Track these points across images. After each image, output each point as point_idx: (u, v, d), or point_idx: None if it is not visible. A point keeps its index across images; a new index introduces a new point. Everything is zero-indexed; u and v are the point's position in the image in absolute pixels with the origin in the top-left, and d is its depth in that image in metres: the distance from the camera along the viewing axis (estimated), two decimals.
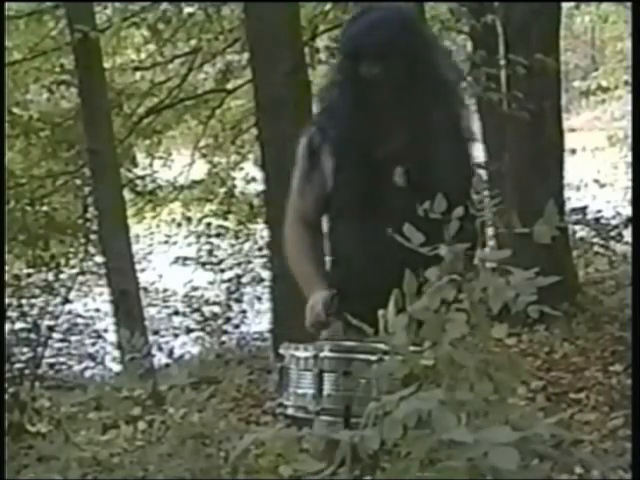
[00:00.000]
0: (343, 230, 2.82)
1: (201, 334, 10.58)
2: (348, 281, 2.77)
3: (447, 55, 3.46)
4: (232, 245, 11.78)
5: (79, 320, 10.30)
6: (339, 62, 2.78)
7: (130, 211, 9.83)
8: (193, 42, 10.80)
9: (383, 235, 2.64)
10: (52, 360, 9.17)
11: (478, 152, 2.90)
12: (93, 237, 9.59)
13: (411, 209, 2.58)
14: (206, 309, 10.98)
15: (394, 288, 2.28)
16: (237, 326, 10.63)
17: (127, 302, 6.65)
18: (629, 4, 7.07)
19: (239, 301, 10.99)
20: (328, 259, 2.90)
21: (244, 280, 11.23)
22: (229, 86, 11.15)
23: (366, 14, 2.76)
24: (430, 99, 2.71)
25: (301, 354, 2.46)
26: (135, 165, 11.66)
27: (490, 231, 9.48)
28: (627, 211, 8.69)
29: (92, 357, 9.90)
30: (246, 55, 8.41)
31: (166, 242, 12.57)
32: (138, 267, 7.92)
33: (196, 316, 10.95)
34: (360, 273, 2.76)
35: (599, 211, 9.26)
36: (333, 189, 2.78)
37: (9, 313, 8.41)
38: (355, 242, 2.78)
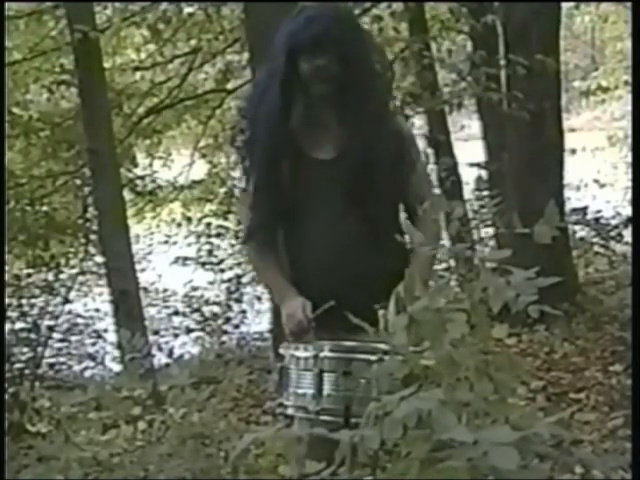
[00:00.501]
0: (294, 233, 2.79)
1: (201, 334, 10.57)
2: (307, 283, 2.75)
3: (379, 47, 3.55)
4: (232, 245, 11.76)
5: (79, 320, 10.29)
6: (276, 59, 2.75)
7: (130, 211, 9.84)
8: (193, 42, 10.80)
9: (330, 234, 2.68)
10: (52, 360, 9.17)
11: (418, 143, 2.91)
12: (93, 237, 9.59)
13: (353, 204, 2.63)
14: (206, 309, 10.97)
15: (351, 290, 2.32)
16: (237, 326, 10.62)
17: (127, 302, 6.65)
18: (629, 4, 7.08)
19: (239, 301, 10.98)
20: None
21: (244, 280, 11.22)
22: (229, 86, 11.14)
23: (302, 12, 2.80)
24: (369, 94, 2.72)
25: (301, 354, 2.46)
26: (135, 165, 11.66)
27: (490, 231, 9.48)
28: (627, 211, 8.69)
29: (92, 357, 9.89)
30: (246, 55, 8.41)
31: (166, 242, 12.56)
32: (138, 267, 7.92)
33: (196, 316, 10.94)
34: (316, 274, 2.74)
35: (599, 211, 9.25)
36: (278, 194, 2.75)
37: (9, 313, 8.40)
38: (306, 244, 2.76)
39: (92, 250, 9.92)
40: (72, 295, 9.92)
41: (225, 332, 10.49)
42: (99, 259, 9.02)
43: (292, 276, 2.79)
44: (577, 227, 8.83)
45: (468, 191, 9.17)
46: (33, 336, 8.47)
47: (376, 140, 2.69)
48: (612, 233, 8.83)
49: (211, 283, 11.35)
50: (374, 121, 2.71)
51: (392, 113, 2.87)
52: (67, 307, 9.80)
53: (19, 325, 8.68)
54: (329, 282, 2.69)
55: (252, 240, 2.86)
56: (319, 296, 2.63)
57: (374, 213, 2.65)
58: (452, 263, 7.29)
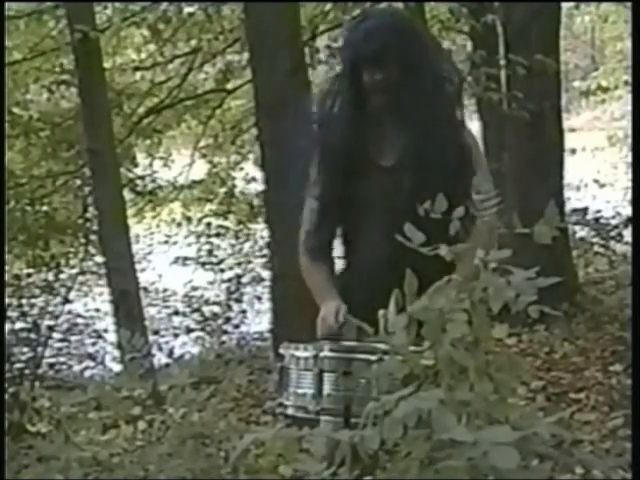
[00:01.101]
0: (352, 236, 2.84)
1: (201, 334, 10.58)
2: (358, 286, 2.78)
3: (447, 56, 3.48)
4: (232, 245, 11.78)
5: (79, 320, 10.28)
6: (340, 69, 2.80)
7: (130, 211, 9.82)
8: (193, 42, 10.80)
9: (392, 240, 2.68)
10: (52, 360, 9.16)
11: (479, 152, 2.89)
12: (93, 237, 9.59)
13: (411, 211, 2.62)
14: (206, 309, 10.98)
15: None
16: (237, 326, 10.62)
17: (127, 302, 6.65)
18: (629, 4, 7.08)
19: (239, 301, 10.98)
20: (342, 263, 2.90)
21: (244, 280, 11.23)
22: (229, 86, 11.15)
23: (364, 20, 2.79)
24: (431, 103, 2.73)
25: (301, 354, 2.46)
26: (135, 165, 11.66)
27: None
28: (627, 211, 8.69)
29: (92, 357, 9.89)
30: (246, 55, 8.41)
31: (166, 242, 12.56)
32: (138, 267, 7.91)
33: (196, 316, 10.94)
34: (370, 278, 2.76)
35: (599, 211, 9.26)
36: (340, 199, 2.80)
37: (9, 313, 8.40)
38: (365, 248, 2.79)
39: (92, 250, 9.92)
40: (72, 295, 9.92)
41: (225, 332, 10.49)
42: (99, 259, 9.02)
43: (346, 277, 2.83)
44: (577, 227, 8.83)
45: None
46: (33, 336, 8.47)
47: (435, 149, 2.71)
48: (612, 233, 8.83)
49: (211, 283, 11.35)
50: (434, 130, 2.71)
51: (456, 122, 2.82)
52: (67, 307, 9.79)
53: (19, 325, 8.68)
54: (381, 286, 2.70)
55: (308, 240, 2.88)
56: (370, 299, 2.62)
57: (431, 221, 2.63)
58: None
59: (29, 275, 9.83)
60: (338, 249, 2.89)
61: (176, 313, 11.14)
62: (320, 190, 2.82)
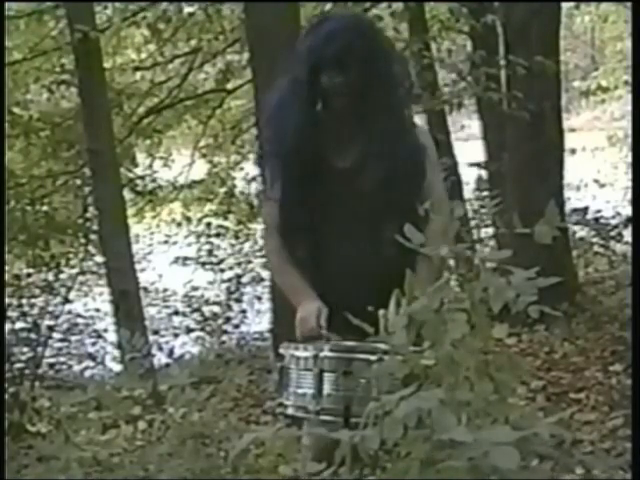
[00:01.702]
0: (315, 239, 2.81)
1: (201, 334, 10.58)
2: (323, 288, 2.76)
3: (401, 58, 3.54)
4: (232, 245, 11.78)
5: (79, 320, 10.28)
6: (298, 72, 2.75)
7: (130, 211, 9.83)
8: (193, 42, 10.80)
9: (353, 241, 2.69)
10: (52, 360, 9.15)
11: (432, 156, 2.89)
12: (93, 237, 9.58)
13: (374, 213, 2.64)
14: (206, 309, 10.98)
15: (370, 298, 2.31)
16: (237, 326, 10.62)
17: (127, 302, 6.65)
18: (629, 4, 7.08)
19: (239, 301, 10.99)
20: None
21: (244, 280, 11.23)
22: (229, 86, 11.15)
23: (325, 23, 2.79)
24: (388, 105, 2.74)
25: (301, 354, 2.46)
26: (135, 165, 11.66)
27: (490, 231, 9.47)
28: (627, 211, 8.69)
29: (92, 357, 9.89)
30: (246, 55, 8.41)
31: (166, 242, 12.57)
32: (138, 267, 7.91)
33: (196, 316, 10.94)
34: (334, 279, 2.76)
35: (599, 211, 9.25)
36: (300, 202, 2.79)
37: (9, 313, 8.39)
38: (327, 250, 2.78)
39: (92, 250, 9.91)
40: (72, 295, 9.90)
41: (225, 332, 10.49)
42: (99, 259, 9.02)
43: (313, 282, 2.80)
44: (577, 227, 8.83)
45: (468, 191, 9.17)
46: (33, 336, 8.45)
47: (392, 151, 2.72)
48: (612, 233, 8.83)
49: (211, 283, 11.36)
50: (390, 132, 2.72)
51: (411, 123, 2.85)
52: (67, 307, 9.78)
53: (19, 325, 8.66)
54: (350, 289, 2.70)
55: (274, 241, 2.86)
56: (339, 303, 2.62)
57: (390, 221, 2.64)
58: (452, 263, 7.28)
59: (29, 275, 9.82)
60: (301, 251, 2.84)
61: (176, 313, 11.15)
62: (280, 193, 2.79)
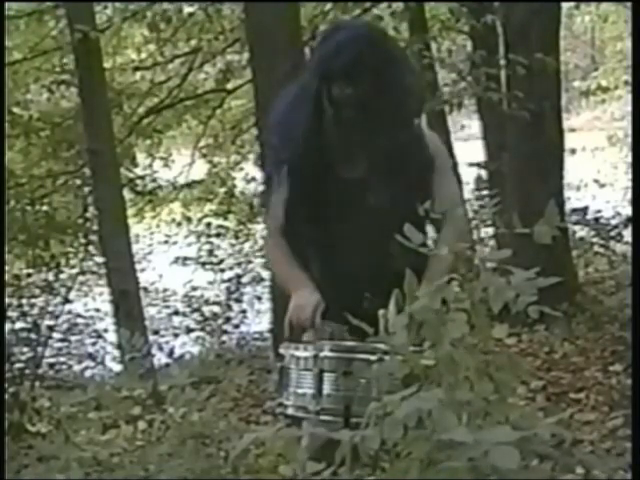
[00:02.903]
0: (321, 245, 2.81)
1: (201, 334, 10.58)
2: (328, 292, 2.73)
3: (413, 68, 3.52)
4: (232, 245, 11.79)
5: (79, 320, 10.29)
6: (308, 81, 2.75)
7: (130, 211, 9.83)
8: (193, 42, 10.81)
9: (362, 250, 2.68)
10: (52, 360, 9.16)
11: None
12: (93, 237, 9.59)
13: (380, 225, 2.63)
14: (206, 309, 10.98)
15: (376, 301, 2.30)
16: (237, 326, 10.63)
17: (127, 302, 6.65)
18: (629, 4, 7.08)
19: (239, 301, 10.99)
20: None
21: (244, 280, 11.24)
22: (229, 86, 11.15)
23: (336, 33, 2.77)
24: (398, 116, 2.73)
25: (301, 354, 2.46)
26: (135, 165, 11.67)
27: (490, 231, 9.46)
28: (627, 211, 8.69)
29: (92, 357, 9.89)
30: (246, 55, 8.41)
31: (166, 242, 12.57)
32: (138, 267, 7.92)
33: (196, 316, 10.95)
34: (341, 285, 2.75)
35: (599, 211, 9.25)
36: (300, 211, 2.78)
37: (9, 313, 8.39)
38: (334, 258, 2.78)
39: (92, 250, 9.92)
40: (72, 295, 9.91)
41: (225, 332, 10.50)
42: (99, 259, 9.02)
43: (319, 285, 2.78)
44: (577, 227, 8.83)
45: (468, 191, 9.17)
46: (33, 336, 8.46)
47: (400, 166, 2.71)
48: (612, 233, 8.83)
49: (211, 283, 11.36)
50: (400, 143, 2.71)
51: (421, 134, 2.83)
52: (67, 307, 9.79)
53: (19, 325, 8.66)
54: (353, 291, 2.69)
55: (276, 239, 2.85)
56: (343, 307, 2.61)
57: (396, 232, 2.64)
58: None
59: (29, 275, 9.83)
60: (305, 257, 2.83)
61: (176, 313, 11.15)
62: (286, 195, 2.78)
